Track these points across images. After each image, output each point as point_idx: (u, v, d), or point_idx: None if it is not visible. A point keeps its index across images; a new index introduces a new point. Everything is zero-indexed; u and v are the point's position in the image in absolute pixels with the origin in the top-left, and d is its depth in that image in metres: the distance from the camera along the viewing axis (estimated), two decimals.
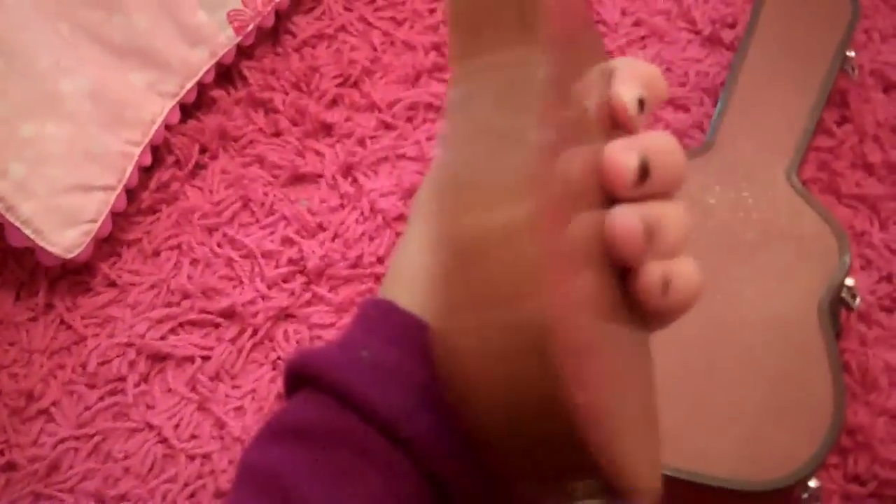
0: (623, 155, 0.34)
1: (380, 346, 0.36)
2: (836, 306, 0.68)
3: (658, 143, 0.35)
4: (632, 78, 0.37)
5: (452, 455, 0.35)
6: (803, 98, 0.78)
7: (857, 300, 0.68)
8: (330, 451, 0.34)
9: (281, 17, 0.89)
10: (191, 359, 0.74)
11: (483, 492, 0.36)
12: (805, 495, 0.62)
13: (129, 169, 0.79)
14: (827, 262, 0.68)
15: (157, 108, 0.81)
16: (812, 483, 0.62)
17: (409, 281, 0.38)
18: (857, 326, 0.71)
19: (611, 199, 0.34)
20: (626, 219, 0.34)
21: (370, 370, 0.36)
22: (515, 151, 0.28)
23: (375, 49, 0.88)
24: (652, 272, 0.34)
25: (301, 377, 0.37)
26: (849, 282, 0.67)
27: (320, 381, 0.36)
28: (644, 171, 0.34)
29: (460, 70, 0.32)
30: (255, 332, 0.75)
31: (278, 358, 0.74)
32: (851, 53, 0.80)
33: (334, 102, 0.85)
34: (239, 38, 0.86)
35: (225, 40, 0.85)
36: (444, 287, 0.27)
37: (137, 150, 0.79)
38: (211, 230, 0.79)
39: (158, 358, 0.74)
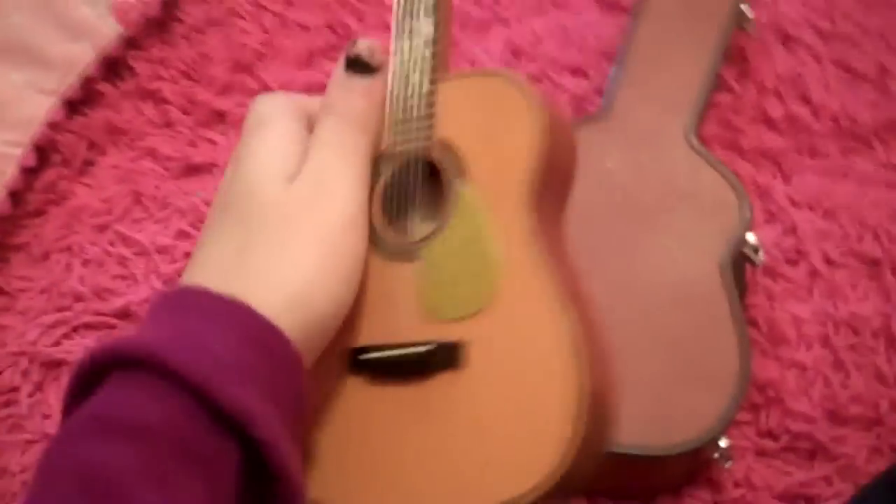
0: None
1: (234, 345, 0.36)
2: (740, 262, 0.67)
3: None
4: None
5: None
6: (699, 57, 0.77)
7: (761, 254, 0.67)
8: (167, 455, 0.33)
9: (168, 4, 0.86)
10: None
11: None
12: (716, 455, 0.61)
13: (11, 170, 0.75)
14: (726, 218, 0.67)
15: (38, 107, 0.78)
16: (722, 443, 0.61)
17: (269, 285, 0.39)
18: (763, 281, 0.71)
19: None
20: None
21: (231, 370, 0.35)
22: None
23: (267, 31, 0.85)
24: None
25: (129, 363, 0.35)
26: (750, 237, 0.67)
27: (171, 375, 0.34)
28: None
29: None
30: None
31: None
32: (748, 9, 0.79)
33: (226, 89, 0.82)
34: (123, 29, 0.82)
35: (109, 32, 0.82)
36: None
37: (18, 151, 0.76)
38: (102, 228, 0.76)
39: (53, 365, 0.71)
